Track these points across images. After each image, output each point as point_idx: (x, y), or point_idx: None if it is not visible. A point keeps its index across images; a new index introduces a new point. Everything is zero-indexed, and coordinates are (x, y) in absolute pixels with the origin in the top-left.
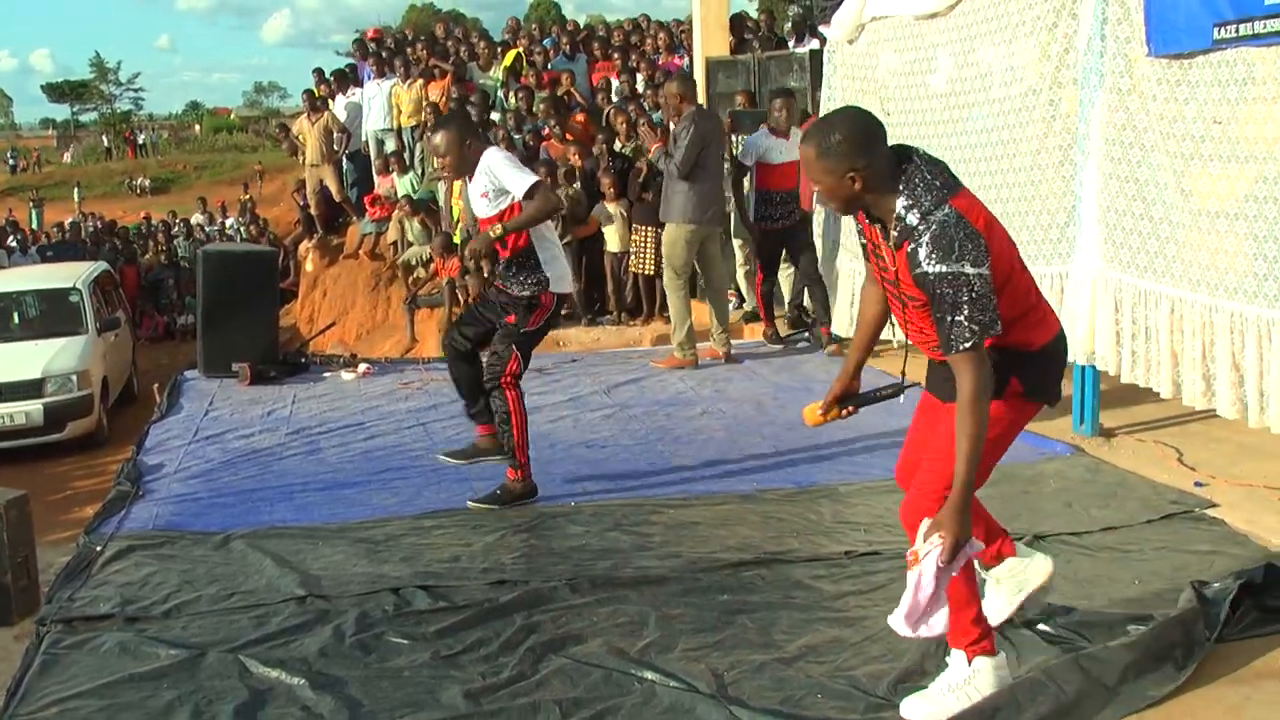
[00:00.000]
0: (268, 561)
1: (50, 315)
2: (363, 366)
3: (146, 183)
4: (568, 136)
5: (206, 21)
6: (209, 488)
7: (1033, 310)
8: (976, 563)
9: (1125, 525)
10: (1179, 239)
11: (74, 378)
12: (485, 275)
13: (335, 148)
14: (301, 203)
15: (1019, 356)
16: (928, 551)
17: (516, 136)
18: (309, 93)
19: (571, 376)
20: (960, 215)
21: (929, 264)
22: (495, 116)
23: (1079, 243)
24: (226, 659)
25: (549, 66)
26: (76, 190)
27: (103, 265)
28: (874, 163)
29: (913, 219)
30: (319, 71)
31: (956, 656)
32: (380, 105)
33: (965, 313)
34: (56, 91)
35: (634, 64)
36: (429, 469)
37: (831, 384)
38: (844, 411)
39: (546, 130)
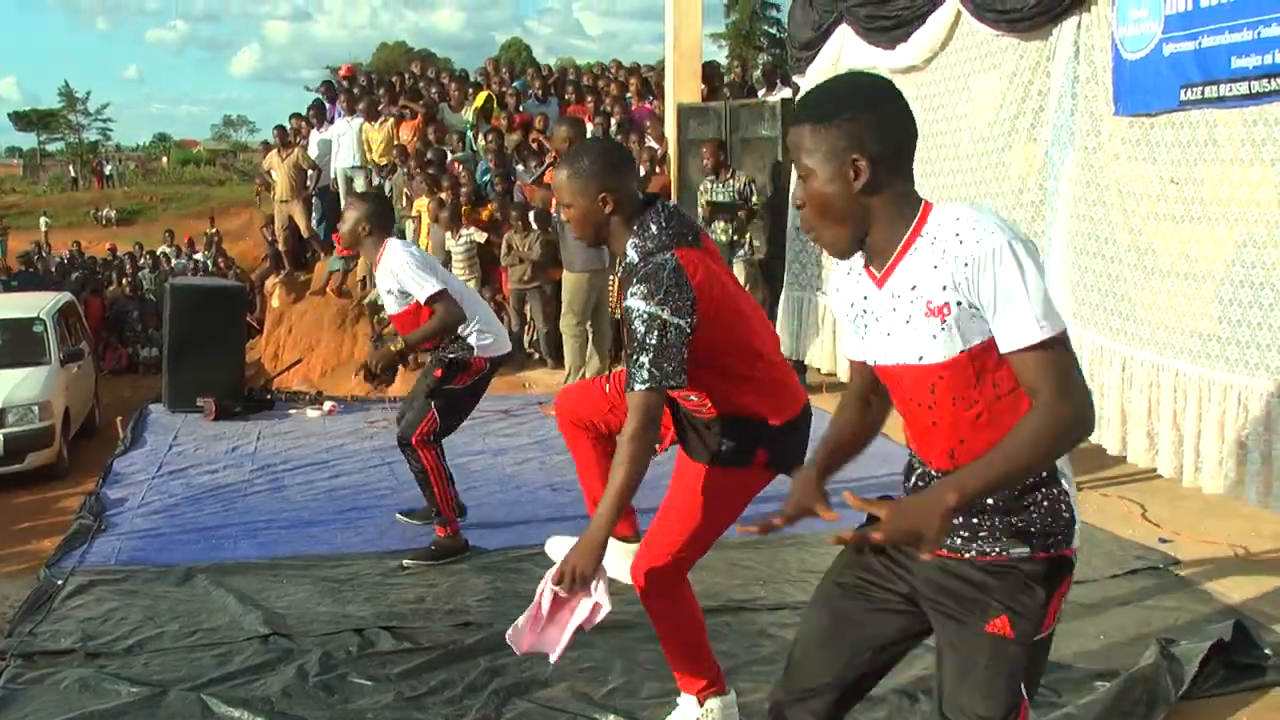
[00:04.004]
0: (231, 599)
1: (13, 344)
2: (328, 404)
3: (113, 214)
4: (545, 180)
5: (175, 53)
6: (172, 523)
7: (770, 380)
8: None
9: (1090, 580)
10: (1132, 297)
11: (35, 408)
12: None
13: (306, 184)
14: (270, 238)
15: (763, 428)
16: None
17: (485, 179)
18: (280, 128)
19: (537, 419)
20: (679, 264)
21: (631, 299)
22: (462, 155)
23: None
24: (188, 697)
25: (520, 109)
26: (43, 220)
27: (67, 296)
28: (624, 188)
29: (634, 256)
30: (297, 115)
31: (687, 700)
32: (350, 143)
33: (650, 356)
34: (24, 120)
35: (607, 108)
36: (393, 508)
37: None
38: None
39: (516, 177)
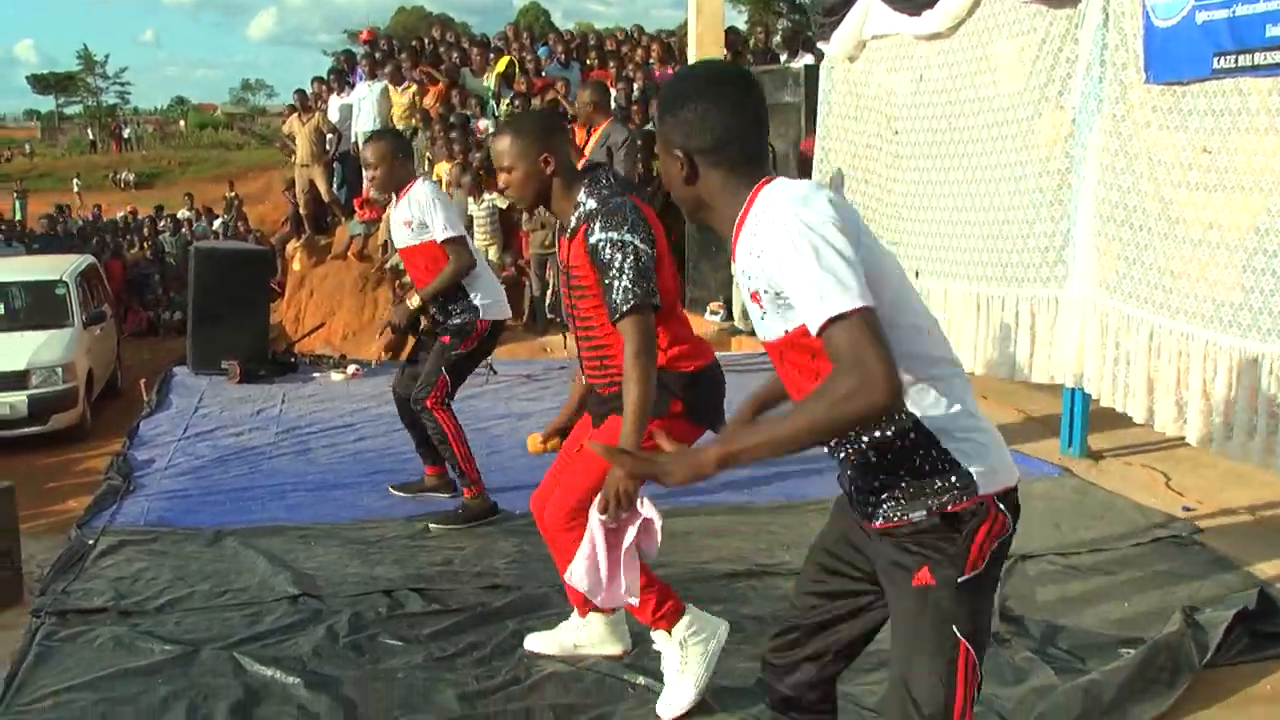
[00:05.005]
0: (260, 560)
1: (36, 307)
2: (352, 368)
3: (131, 177)
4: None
5: (191, 17)
6: (199, 485)
7: (685, 330)
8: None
9: (1113, 547)
10: (1160, 266)
11: (59, 370)
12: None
13: (326, 148)
14: (291, 202)
15: (677, 377)
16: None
17: None
18: (300, 92)
19: (560, 383)
20: (636, 205)
21: (599, 233)
22: (485, 124)
23: (1072, 266)
24: (221, 656)
25: (542, 74)
26: (75, 181)
27: (89, 258)
28: (563, 149)
29: (591, 204)
30: (317, 79)
31: (658, 638)
32: (370, 107)
33: (629, 278)
34: (42, 83)
35: (629, 74)
36: (421, 472)
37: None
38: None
39: None
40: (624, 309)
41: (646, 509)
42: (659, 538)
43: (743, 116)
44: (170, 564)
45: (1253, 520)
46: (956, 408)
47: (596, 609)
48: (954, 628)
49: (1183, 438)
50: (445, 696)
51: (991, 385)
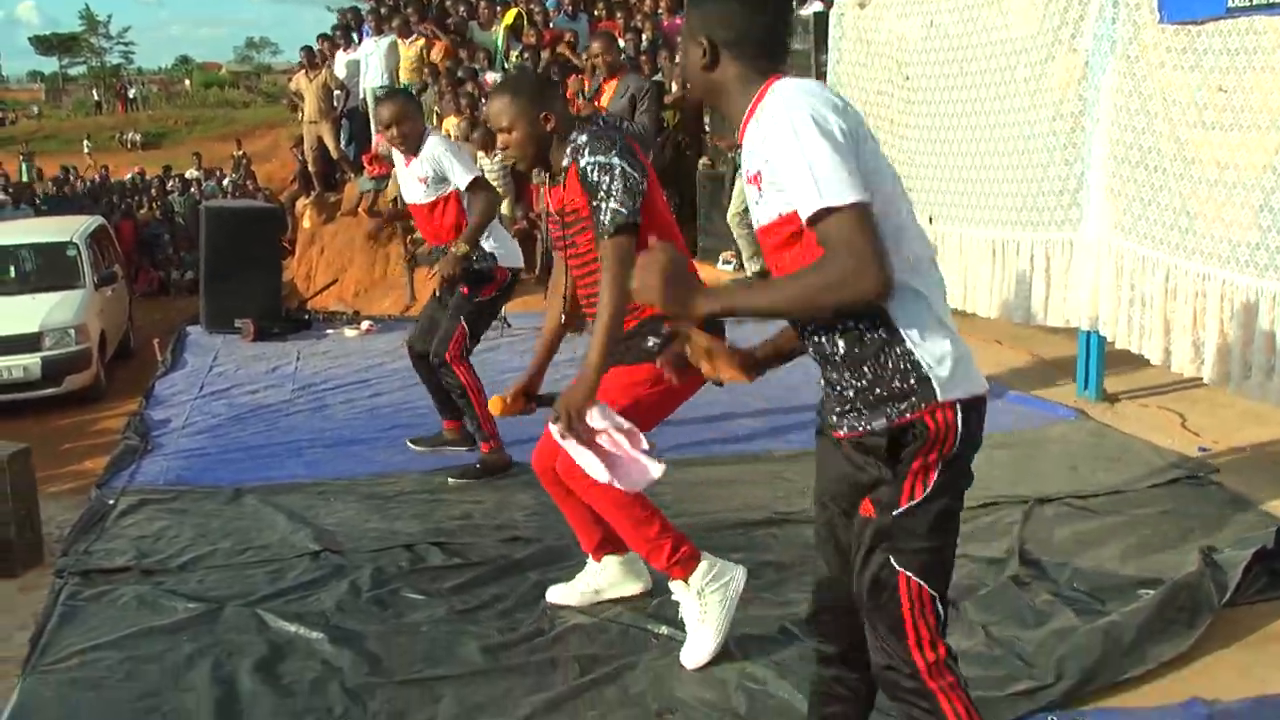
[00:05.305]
0: (280, 517)
1: (47, 268)
2: (366, 324)
3: (138, 137)
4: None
5: None
6: (217, 443)
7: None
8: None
9: (1130, 489)
10: (1176, 207)
11: (72, 331)
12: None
13: (334, 105)
14: (299, 159)
15: None
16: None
17: None
18: (307, 49)
19: (579, 336)
20: (627, 139)
21: (588, 157)
22: (493, 77)
23: (1086, 209)
24: (244, 613)
25: (550, 25)
26: (86, 143)
27: (99, 219)
28: (561, 107)
29: (582, 139)
30: (323, 36)
31: (675, 587)
32: (378, 62)
33: (612, 200)
34: (45, 44)
35: (638, 24)
36: (437, 426)
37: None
38: (529, 406)
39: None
40: (610, 230)
41: (596, 419)
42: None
43: (770, 15)
44: (191, 522)
45: (1270, 459)
46: (927, 313)
47: (611, 552)
48: (892, 559)
49: (1199, 378)
50: (469, 649)
51: (1007, 330)
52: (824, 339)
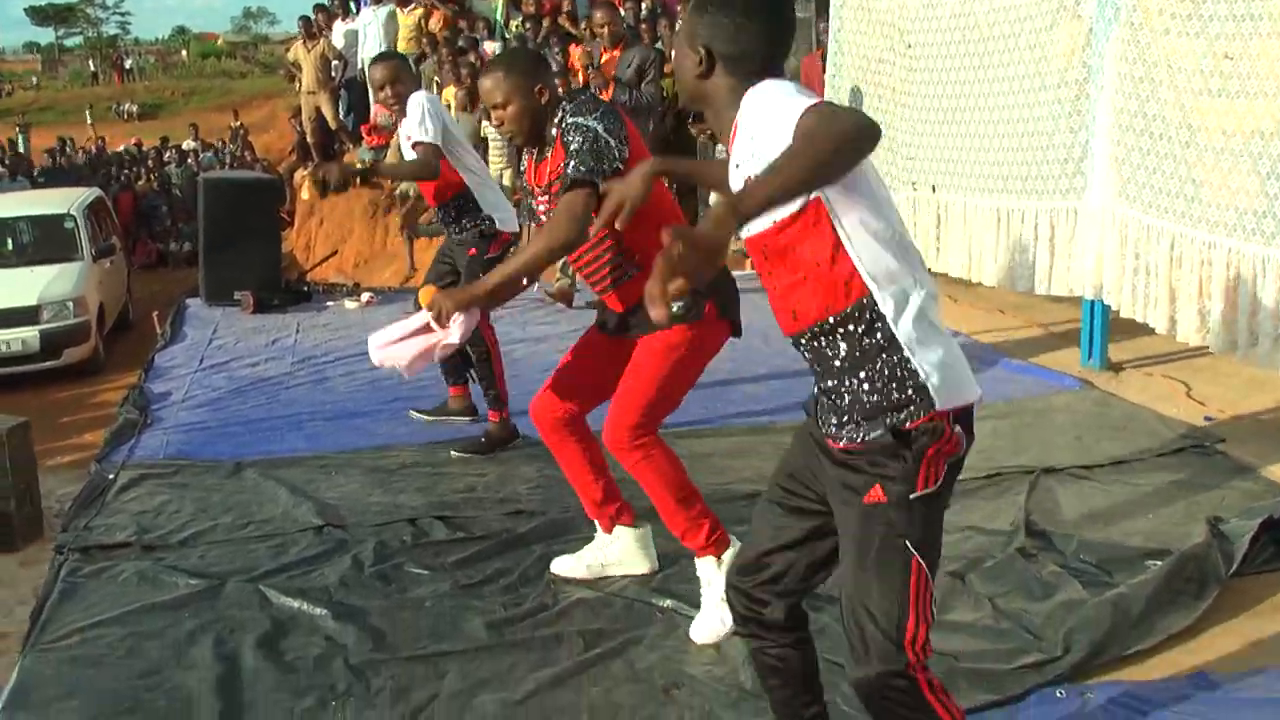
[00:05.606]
0: (282, 491)
1: (45, 241)
2: (366, 295)
3: (134, 108)
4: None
5: None
6: (217, 416)
7: None
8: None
9: (1135, 459)
10: (1182, 175)
11: (70, 304)
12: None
13: (332, 75)
14: (297, 130)
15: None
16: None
17: None
18: (305, 19)
19: (576, 307)
20: (613, 108)
21: (569, 119)
22: (493, 46)
23: (1091, 177)
24: (246, 588)
25: None
26: (88, 113)
27: (96, 191)
28: (551, 81)
29: (569, 107)
30: (320, 7)
31: (704, 565)
32: (377, 31)
33: (580, 158)
34: (40, 14)
35: None
36: (440, 399)
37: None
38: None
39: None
40: (569, 181)
41: (454, 334)
42: (435, 356)
43: (773, 36)
44: (192, 497)
45: (1276, 427)
46: (923, 320)
47: (623, 524)
48: (906, 542)
49: (1204, 347)
50: (473, 624)
51: (1010, 299)
52: (824, 343)
